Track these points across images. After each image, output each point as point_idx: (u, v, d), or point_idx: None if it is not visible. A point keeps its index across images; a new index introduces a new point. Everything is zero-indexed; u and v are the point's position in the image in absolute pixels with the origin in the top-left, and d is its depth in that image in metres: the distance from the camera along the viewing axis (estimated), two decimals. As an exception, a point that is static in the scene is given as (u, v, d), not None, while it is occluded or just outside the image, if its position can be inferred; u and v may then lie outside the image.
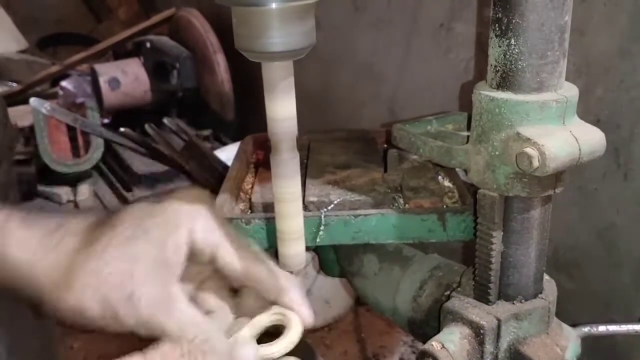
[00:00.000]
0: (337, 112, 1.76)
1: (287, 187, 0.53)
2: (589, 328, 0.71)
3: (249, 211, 0.80)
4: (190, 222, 0.53)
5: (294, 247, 0.56)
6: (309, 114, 1.74)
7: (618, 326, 0.73)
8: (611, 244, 1.04)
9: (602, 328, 0.72)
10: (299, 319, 0.56)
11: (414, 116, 0.84)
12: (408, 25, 1.40)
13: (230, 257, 0.53)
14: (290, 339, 0.55)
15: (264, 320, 0.57)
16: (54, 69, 2.64)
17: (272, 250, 0.61)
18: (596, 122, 0.98)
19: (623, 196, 0.99)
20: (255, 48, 0.47)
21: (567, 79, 0.61)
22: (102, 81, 2.39)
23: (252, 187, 0.88)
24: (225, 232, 0.54)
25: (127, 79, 2.43)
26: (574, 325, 0.71)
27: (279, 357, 0.55)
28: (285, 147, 0.51)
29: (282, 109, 0.49)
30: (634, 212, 0.99)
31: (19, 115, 2.31)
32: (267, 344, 0.55)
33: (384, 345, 1.67)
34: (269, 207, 0.75)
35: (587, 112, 0.99)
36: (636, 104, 0.94)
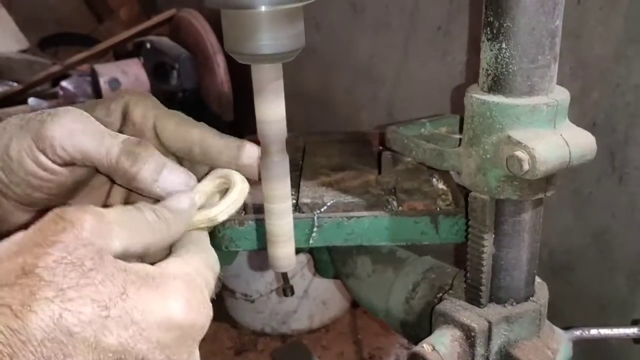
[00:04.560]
0: (336, 114, 1.76)
1: (277, 190, 0.53)
2: (580, 331, 0.71)
3: (242, 212, 0.81)
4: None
5: (284, 248, 0.56)
6: (307, 116, 1.75)
7: (610, 330, 0.73)
8: (606, 247, 1.04)
9: (594, 331, 0.72)
10: (242, 177, 0.53)
11: (411, 118, 0.84)
12: (406, 28, 1.40)
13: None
14: (232, 199, 0.52)
15: (207, 186, 0.53)
16: (55, 69, 2.65)
17: (264, 251, 0.61)
18: (592, 126, 0.98)
19: (618, 200, 0.99)
20: (244, 50, 0.47)
21: (562, 83, 0.61)
22: (102, 81, 2.39)
23: None
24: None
25: (127, 79, 2.44)
26: (566, 328, 0.72)
27: (224, 219, 0.52)
28: (274, 150, 0.51)
29: (272, 112, 0.50)
30: (629, 215, 0.99)
31: (19, 115, 2.31)
32: (208, 207, 0.51)
33: (380, 346, 1.67)
34: (260, 209, 0.75)
35: (583, 115, 0.99)
36: (631, 107, 0.94)
